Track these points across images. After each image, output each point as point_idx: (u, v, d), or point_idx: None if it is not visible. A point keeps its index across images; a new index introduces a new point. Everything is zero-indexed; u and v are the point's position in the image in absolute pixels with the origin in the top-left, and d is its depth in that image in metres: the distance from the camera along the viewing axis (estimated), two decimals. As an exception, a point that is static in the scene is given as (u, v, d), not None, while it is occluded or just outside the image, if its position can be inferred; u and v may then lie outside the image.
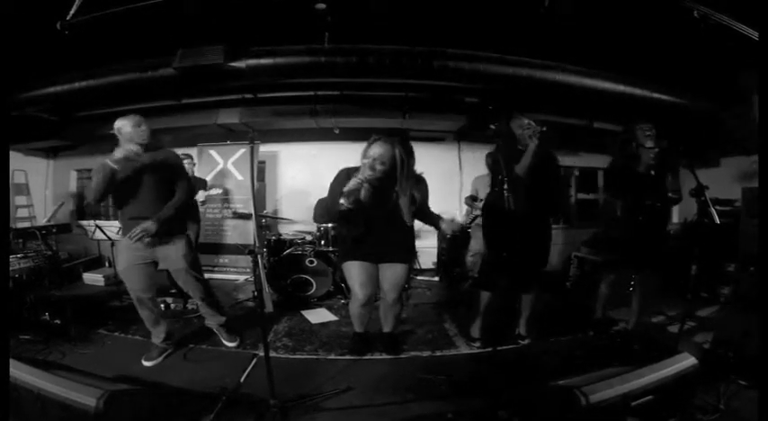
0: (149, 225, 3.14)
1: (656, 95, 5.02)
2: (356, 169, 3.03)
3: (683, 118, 5.38)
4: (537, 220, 3.51)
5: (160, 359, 3.48)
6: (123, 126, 3.18)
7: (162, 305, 4.39)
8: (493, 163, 3.61)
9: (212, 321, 3.77)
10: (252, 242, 6.11)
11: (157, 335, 3.55)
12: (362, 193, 2.96)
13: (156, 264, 3.42)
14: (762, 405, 2.12)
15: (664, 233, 3.86)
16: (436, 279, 6.44)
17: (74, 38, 3.61)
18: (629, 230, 3.77)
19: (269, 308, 4.71)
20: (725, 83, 4.96)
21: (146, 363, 3.40)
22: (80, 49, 4.14)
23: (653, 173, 3.62)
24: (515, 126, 3.51)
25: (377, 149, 2.97)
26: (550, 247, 3.75)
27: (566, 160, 7.72)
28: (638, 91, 4.95)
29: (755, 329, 2.89)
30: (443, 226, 3.19)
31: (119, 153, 3.01)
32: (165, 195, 3.33)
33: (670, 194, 3.57)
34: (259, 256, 2.84)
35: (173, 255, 3.39)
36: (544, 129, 3.30)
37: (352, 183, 2.92)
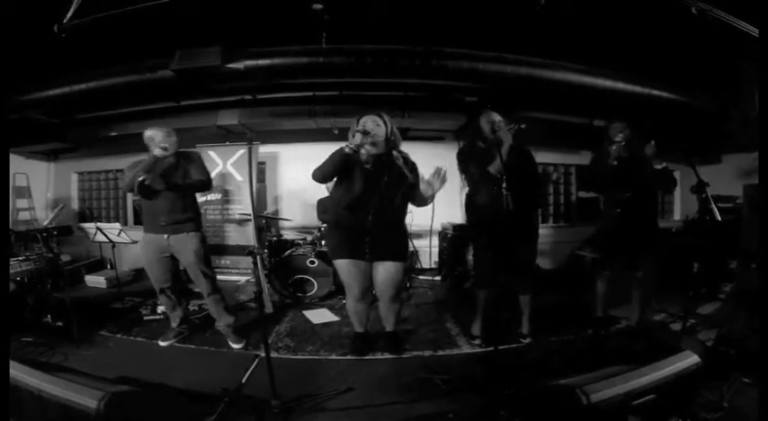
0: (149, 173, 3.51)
1: (655, 92, 5.00)
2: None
3: (682, 115, 5.37)
4: (520, 218, 3.48)
5: (174, 340, 3.91)
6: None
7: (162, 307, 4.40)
8: (461, 163, 3.60)
9: (221, 322, 3.90)
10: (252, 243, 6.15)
11: (174, 320, 4.00)
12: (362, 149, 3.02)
13: (173, 257, 3.76)
14: (762, 401, 2.11)
15: (650, 224, 3.85)
16: (437, 278, 6.44)
17: (71, 41, 3.62)
18: (610, 223, 3.86)
19: (268, 308, 4.73)
20: (724, 79, 4.94)
21: (161, 343, 3.85)
22: (78, 52, 4.14)
23: (615, 163, 3.68)
24: (483, 122, 3.45)
25: (365, 118, 3.13)
26: (537, 245, 3.77)
27: (566, 158, 7.73)
28: (637, 88, 4.93)
29: (756, 326, 2.89)
30: (422, 186, 3.10)
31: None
32: (182, 196, 3.71)
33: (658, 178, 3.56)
34: (258, 257, 2.85)
35: (185, 250, 3.70)
36: (522, 126, 3.28)
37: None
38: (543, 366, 3.34)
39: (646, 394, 2.16)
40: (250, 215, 5.90)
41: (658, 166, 3.48)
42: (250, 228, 6.07)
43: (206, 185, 3.92)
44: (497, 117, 3.44)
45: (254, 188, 6.32)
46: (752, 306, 3.31)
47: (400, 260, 3.36)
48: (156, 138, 3.56)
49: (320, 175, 3.13)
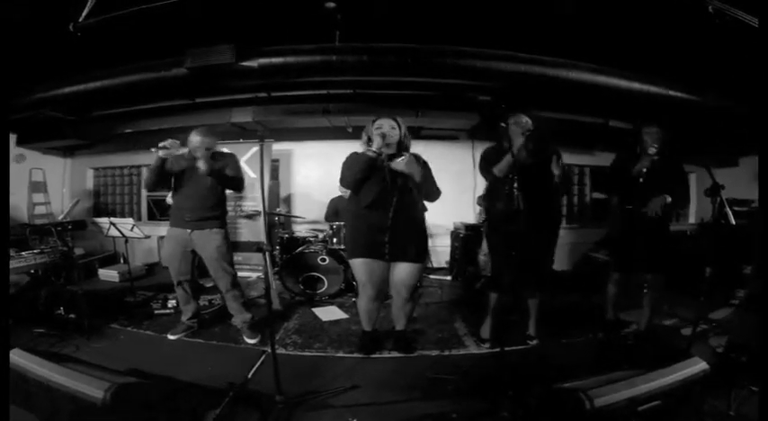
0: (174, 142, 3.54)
1: (671, 93, 4.92)
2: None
3: (699, 115, 5.27)
4: (538, 221, 3.46)
5: (183, 334, 3.95)
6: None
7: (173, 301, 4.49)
8: (480, 164, 3.60)
9: (238, 318, 3.93)
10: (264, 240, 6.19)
11: (186, 314, 4.02)
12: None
13: (194, 252, 3.83)
14: (762, 406, 2.07)
15: (662, 235, 3.77)
16: (448, 278, 6.43)
17: (87, 39, 3.67)
18: (622, 230, 3.83)
19: (276, 305, 4.76)
20: (742, 79, 4.84)
21: (170, 336, 3.92)
22: (94, 51, 4.19)
23: (642, 180, 3.61)
24: (511, 124, 3.43)
25: (382, 121, 3.20)
26: (554, 250, 3.72)
27: (581, 159, 7.65)
28: (653, 88, 4.85)
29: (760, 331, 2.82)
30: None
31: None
32: (211, 192, 3.75)
33: (668, 199, 3.50)
34: (267, 253, 2.87)
35: (207, 246, 3.75)
36: (530, 129, 3.26)
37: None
38: (549, 369, 3.30)
39: (651, 400, 2.13)
40: (261, 212, 5.96)
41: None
42: (260, 224, 6.13)
43: (241, 183, 3.94)
44: (525, 119, 3.42)
45: (267, 185, 6.40)
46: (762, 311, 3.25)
47: (419, 262, 3.36)
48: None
49: (352, 183, 3.21)
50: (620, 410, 2.06)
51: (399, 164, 3.11)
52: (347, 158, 3.27)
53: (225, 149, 4.46)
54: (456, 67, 4.40)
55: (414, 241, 3.26)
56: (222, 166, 3.72)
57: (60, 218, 6.65)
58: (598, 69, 4.66)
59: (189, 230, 3.71)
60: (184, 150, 3.59)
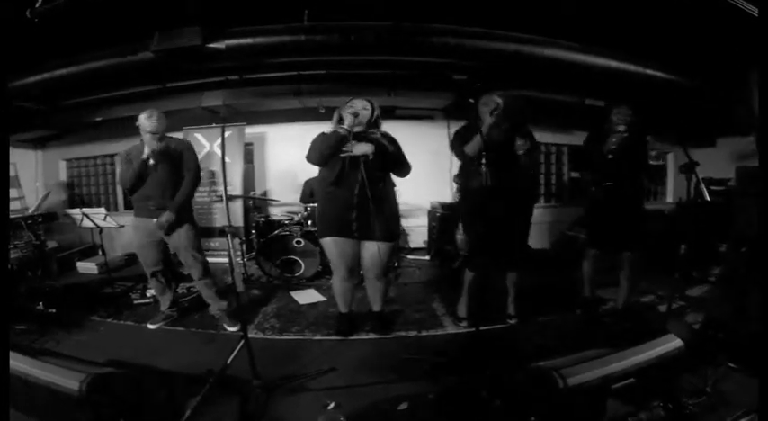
0: (169, 216, 3.61)
1: (649, 72, 4.91)
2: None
3: (676, 95, 5.28)
4: (513, 199, 3.46)
5: (163, 323, 3.96)
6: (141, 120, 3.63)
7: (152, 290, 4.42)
8: (450, 142, 3.60)
9: (214, 306, 3.92)
10: (240, 224, 6.28)
11: (164, 303, 4.05)
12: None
13: (163, 241, 3.80)
14: (762, 389, 2.09)
15: (636, 213, 3.80)
16: (426, 258, 6.46)
17: (46, 25, 3.53)
18: (594, 207, 3.89)
19: (240, 288, 4.83)
20: (719, 59, 4.85)
21: (150, 326, 3.92)
22: (54, 37, 4.04)
23: (610, 157, 3.60)
24: (481, 104, 3.41)
25: (355, 101, 3.24)
26: (530, 226, 3.71)
27: (559, 138, 7.67)
28: (630, 67, 4.84)
29: (746, 310, 2.87)
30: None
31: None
32: (172, 180, 3.71)
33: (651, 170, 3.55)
34: (230, 236, 2.86)
35: (175, 235, 3.74)
36: (496, 108, 3.24)
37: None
38: (528, 347, 3.34)
39: (626, 378, 2.14)
40: (238, 195, 5.94)
41: (654, 163, 3.48)
42: (237, 208, 6.18)
43: (198, 184, 3.98)
44: (495, 97, 3.36)
45: (241, 169, 6.35)
46: (739, 289, 3.30)
47: (389, 240, 3.36)
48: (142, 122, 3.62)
49: (319, 159, 3.18)
50: (593, 388, 2.07)
51: (357, 148, 3.12)
52: (315, 138, 3.25)
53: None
54: (428, 45, 4.33)
55: (382, 219, 3.22)
56: (178, 158, 3.76)
57: (30, 211, 6.52)
58: (574, 47, 4.63)
59: (155, 219, 3.65)
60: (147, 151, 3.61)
